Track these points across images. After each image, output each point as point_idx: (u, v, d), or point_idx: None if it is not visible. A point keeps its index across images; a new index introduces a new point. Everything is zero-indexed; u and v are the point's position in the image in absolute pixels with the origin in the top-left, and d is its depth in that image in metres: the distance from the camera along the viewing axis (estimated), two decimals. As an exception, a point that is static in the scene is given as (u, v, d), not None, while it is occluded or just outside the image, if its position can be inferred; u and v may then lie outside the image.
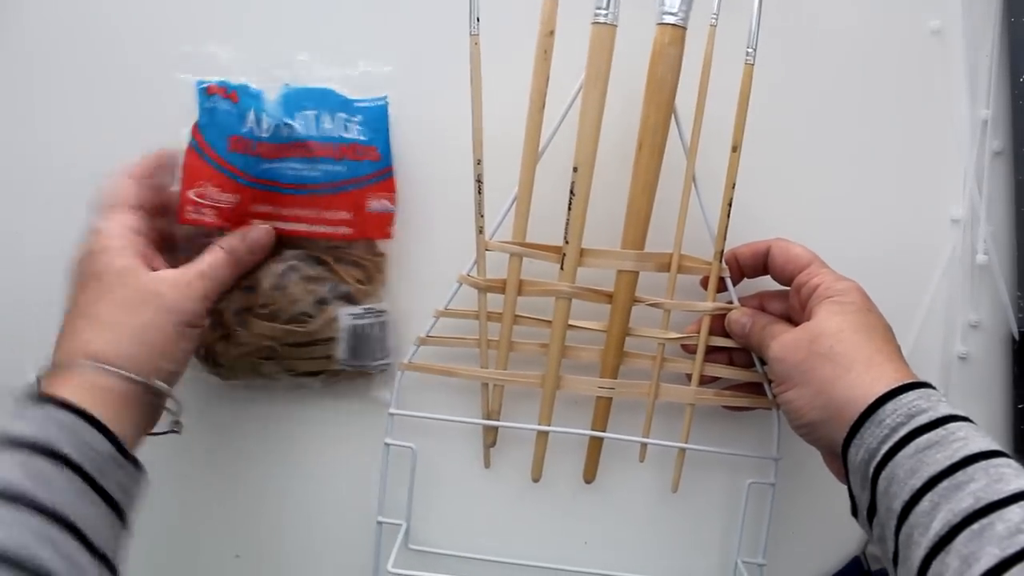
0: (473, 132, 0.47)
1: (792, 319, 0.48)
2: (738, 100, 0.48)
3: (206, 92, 0.48)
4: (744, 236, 0.54)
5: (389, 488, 0.50)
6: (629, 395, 0.50)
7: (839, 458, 0.41)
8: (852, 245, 0.55)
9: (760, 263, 0.49)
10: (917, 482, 0.36)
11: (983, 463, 0.36)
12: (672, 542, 0.54)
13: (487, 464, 0.52)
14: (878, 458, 0.38)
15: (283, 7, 0.53)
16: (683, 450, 0.51)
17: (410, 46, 0.51)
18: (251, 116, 0.48)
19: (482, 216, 0.48)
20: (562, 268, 0.48)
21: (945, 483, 0.36)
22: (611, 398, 0.50)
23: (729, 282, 0.49)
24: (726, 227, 0.48)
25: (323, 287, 0.49)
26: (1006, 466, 0.36)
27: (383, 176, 0.49)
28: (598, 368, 0.50)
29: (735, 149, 0.48)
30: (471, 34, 0.45)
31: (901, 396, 0.39)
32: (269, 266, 0.48)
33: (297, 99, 0.49)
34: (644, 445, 0.51)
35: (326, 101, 0.49)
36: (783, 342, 0.44)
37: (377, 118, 0.49)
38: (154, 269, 0.43)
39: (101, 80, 0.52)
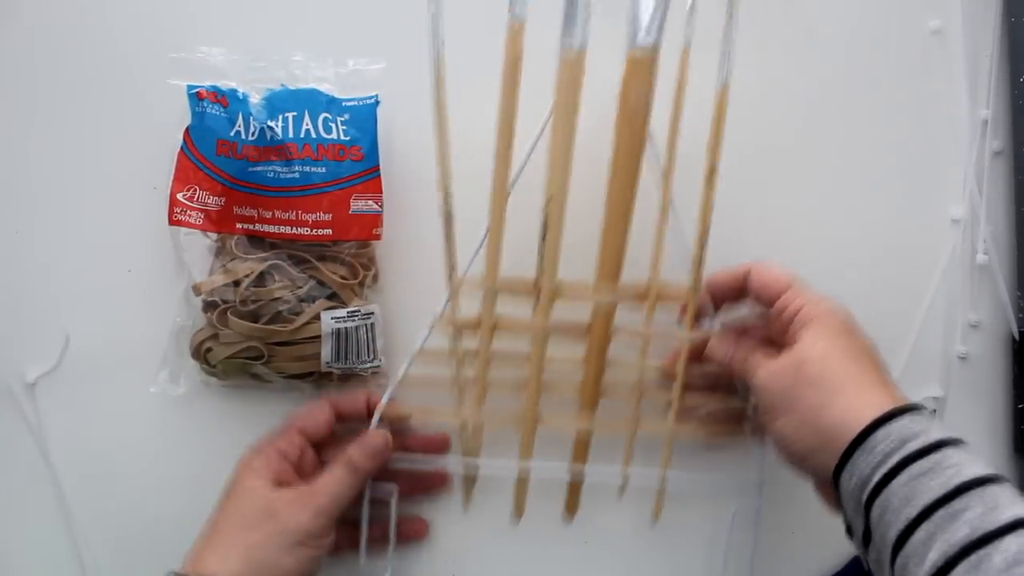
0: (439, 165, 0.44)
1: (774, 343, 0.47)
2: (713, 122, 0.46)
3: (196, 97, 0.48)
4: (736, 239, 0.53)
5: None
6: (609, 430, 0.50)
7: (830, 486, 0.41)
8: (852, 245, 0.55)
9: (739, 288, 0.48)
10: (912, 511, 0.36)
11: (978, 490, 0.35)
12: (658, 574, 0.53)
13: (467, 503, 0.52)
14: (871, 486, 0.38)
15: (274, 8, 0.53)
16: (664, 481, 0.50)
17: (404, 43, 0.51)
18: (239, 120, 0.48)
19: (453, 254, 0.46)
20: (537, 303, 0.47)
21: (940, 512, 0.35)
22: (591, 433, 0.50)
23: (710, 311, 0.49)
24: (703, 254, 0.47)
25: (306, 286, 0.49)
26: (1001, 492, 0.35)
27: (368, 176, 0.49)
28: (577, 402, 0.49)
29: (712, 172, 0.46)
30: (433, 60, 0.43)
31: (892, 422, 0.38)
32: (252, 264, 0.48)
33: (280, 101, 0.49)
34: (625, 479, 0.50)
35: (310, 102, 0.49)
36: (769, 370, 0.43)
37: (364, 117, 0.49)
38: (286, 486, 0.45)
39: (97, 84, 0.52)
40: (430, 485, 0.51)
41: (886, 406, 0.39)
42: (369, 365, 0.50)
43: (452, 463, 0.50)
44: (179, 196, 0.48)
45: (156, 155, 0.49)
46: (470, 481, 0.51)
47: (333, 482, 0.45)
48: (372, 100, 0.49)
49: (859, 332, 0.44)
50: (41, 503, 0.52)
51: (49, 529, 0.52)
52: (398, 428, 0.50)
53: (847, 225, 0.55)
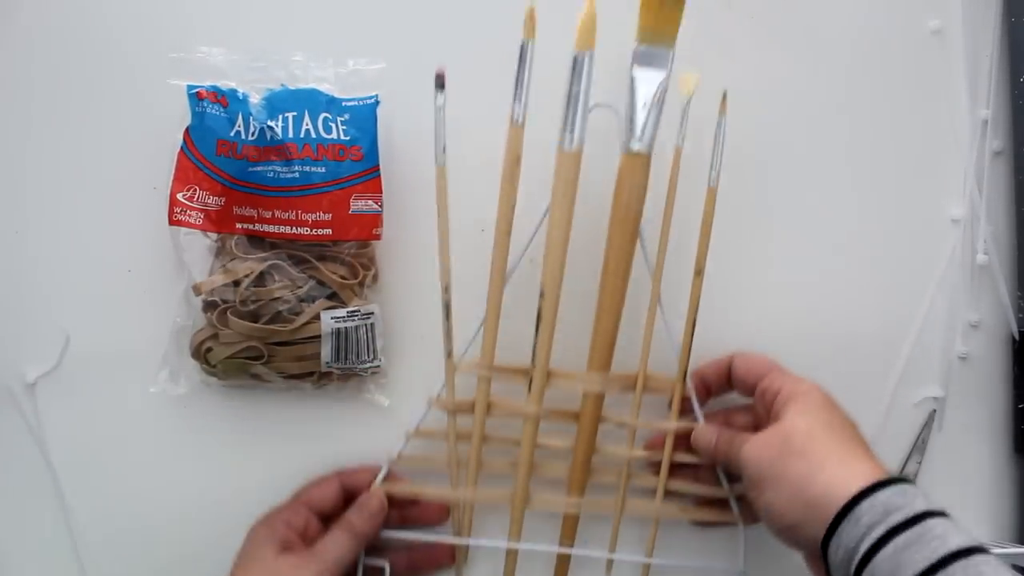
0: (440, 260, 0.47)
1: (758, 429, 0.48)
2: (701, 226, 0.48)
3: (196, 97, 0.48)
4: (736, 243, 0.54)
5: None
6: (596, 511, 0.51)
7: (820, 558, 0.41)
8: (852, 245, 0.55)
9: (725, 378, 0.50)
10: None
11: (962, 562, 0.36)
12: None
13: None
14: (858, 558, 0.38)
15: (274, 8, 0.53)
16: (648, 564, 0.51)
17: (404, 44, 0.51)
18: (239, 120, 0.48)
19: (451, 339, 0.48)
20: (529, 390, 0.48)
21: None
22: (579, 514, 0.51)
23: (695, 401, 0.50)
24: (690, 347, 0.49)
25: (306, 286, 0.49)
26: (984, 563, 0.36)
27: (368, 176, 0.49)
28: (566, 483, 0.51)
29: (699, 273, 0.49)
30: (437, 165, 0.45)
31: (877, 493, 0.39)
32: (252, 264, 0.48)
33: (280, 101, 0.49)
34: (610, 560, 0.51)
35: (310, 101, 0.49)
36: (755, 443, 0.44)
37: (364, 117, 0.49)
38: (291, 552, 0.46)
39: (97, 84, 0.52)
40: (427, 560, 0.52)
41: (870, 476, 0.40)
42: (369, 365, 0.50)
43: (445, 538, 0.51)
44: (179, 196, 0.48)
45: (156, 155, 0.49)
46: (462, 556, 0.52)
47: (333, 544, 0.46)
48: (372, 100, 0.49)
49: (839, 409, 0.45)
50: (41, 503, 0.52)
51: (49, 529, 0.52)
52: (398, 499, 0.51)
53: (847, 225, 0.55)
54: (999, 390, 0.56)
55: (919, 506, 0.38)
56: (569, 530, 0.51)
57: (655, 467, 0.51)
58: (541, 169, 0.46)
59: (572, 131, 0.45)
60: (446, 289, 0.47)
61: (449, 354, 0.48)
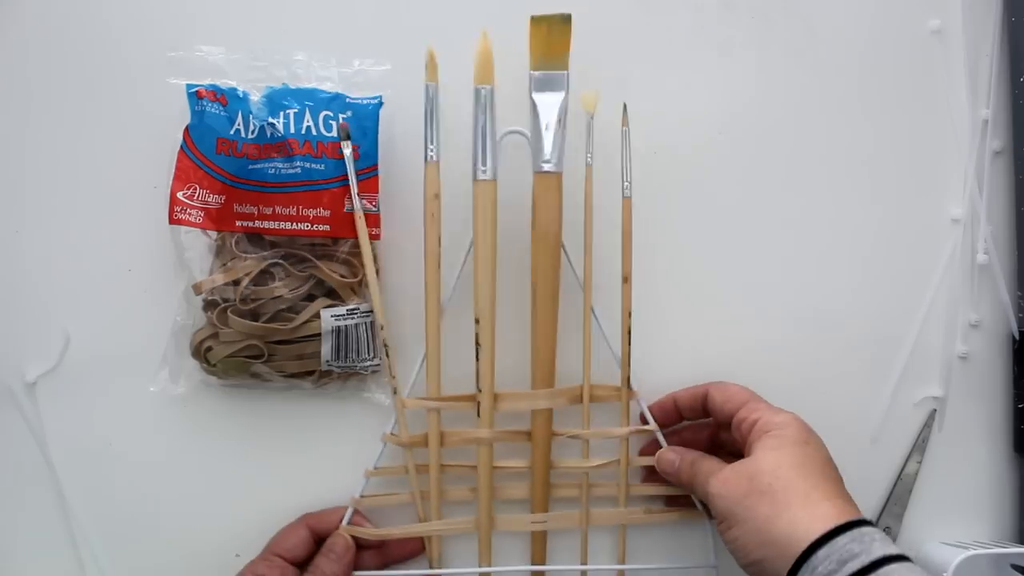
0: (372, 297, 0.48)
1: (726, 453, 0.49)
2: (622, 235, 0.49)
3: (196, 96, 0.48)
4: (735, 241, 0.54)
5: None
6: (561, 527, 0.51)
7: None
8: (852, 245, 0.55)
9: (699, 406, 0.50)
10: None
11: None
12: None
13: None
14: None
15: (274, 8, 0.53)
16: (621, 571, 0.52)
17: (405, 45, 0.51)
18: (239, 118, 0.48)
19: (394, 377, 0.49)
20: (478, 415, 0.49)
21: None
22: (544, 532, 0.52)
23: (647, 413, 0.51)
24: (628, 353, 0.50)
25: (306, 285, 0.49)
26: None
27: (367, 175, 0.49)
28: (530, 502, 0.51)
29: (626, 280, 0.49)
30: (357, 214, 0.48)
31: (834, 540, 0.39)
32: (252, 263, 0.48)
33: (280, 98, 0.49)
34: (584, 573, 0.52)
35: (310, 99, 0.49)
36: (722, 479, 0.44)
37: (367, 116, 0.49)
38: None
39: (96, 83, 0.52)
40: None
41: (831, 519, 0.40)
42: (369, 363, 0.50)
43: (418, 572, 0.51)
44: (179, 195, 0.48)
45: (156, 154, 0.49)
46: None
47: None
48: (376, 101, 0.49)
49: (812, 442, 0.45)
50: (41, 503, 0.52)
51: (49, 529, 0.52)
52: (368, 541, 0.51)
53: (847, 225, 0.55)
54: (999, 390, 0.55)
55: (876, 551, 0.38)
56: (539, 547, 0.52)
57: (650, 472, 0.52)
58: (468, 198, 0.47)
59: (484, 161, 0.47)
60: (381, 328, 0.49)
61: (395, 391, 0.49)
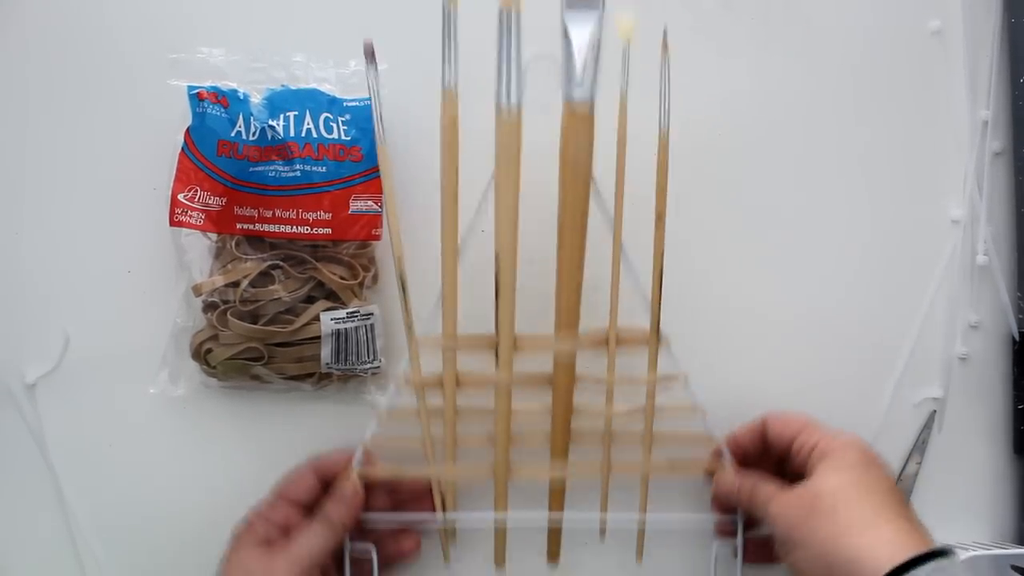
0: (391, 232, 0.46)
1: (785, 476, 0.47)
2: (657, 169, 0.47)
3: (197, 98, 0.48)
4: (734, 238, 0.54)
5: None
6: (582, 476, 0.50)
7: None
8: (852, 245, 0.55)
9: (758, 438, 0.49)
10: None
11: None
12: None
13: (447, 559, 0.51)
14: None
15: (275, 8, 0.53)
16: (642, 522, 0.51)
17: (405, 45, 0.51)
18: (240, 120, 0.48)
19: (410, 314, 0.47)
20: (497, 358, 0.47)
21: None
22: (564, 480, 0.50)
23: (726, 452, 0.49)
24: (660, 297, 0.47)
25: (306, 287, 0.49)
26: None
27: (368, 176, 0.49)
28: (549, 450, 0.49)
29: (659, 219, 0.47)
30: (379, 145, 0.45)
31: (914, 571, 0.37)
32: (252, 265, 0.48)
33: (281, 100, 0.49)
34: (603, 523, 0.50)
35: (311, 101, 0.49)
36: (783, 502, 0.43)
37: (365, 118, 0.49)
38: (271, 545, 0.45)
39: (97, 85, 0.52)
40: (411, 547, 0.51)
41: (900, 546, 0.38)
42: (369, 366, 0.50)
43: (430, 518, 0.50)
44: (180, 197, 0.48)
45: (156, 156, 0.49)
46: (449, 535, 0.51)
47: (307, 537, 0.45)
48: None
49: (878, 465, 0.44)
50: (41, 503, 0.52)
51: (49, 529, 0.52)
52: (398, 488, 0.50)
53: (847, 225, 0.55)
54: (999, 390, 0.55)
55: None
56: (557, 499, 0.50)
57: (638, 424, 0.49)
58: (489, 135, 0.44)
59: (508, 90, 0.43)
60: (399, 263, 0.46)
61: (409, 328, 0.47)
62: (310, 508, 0.47)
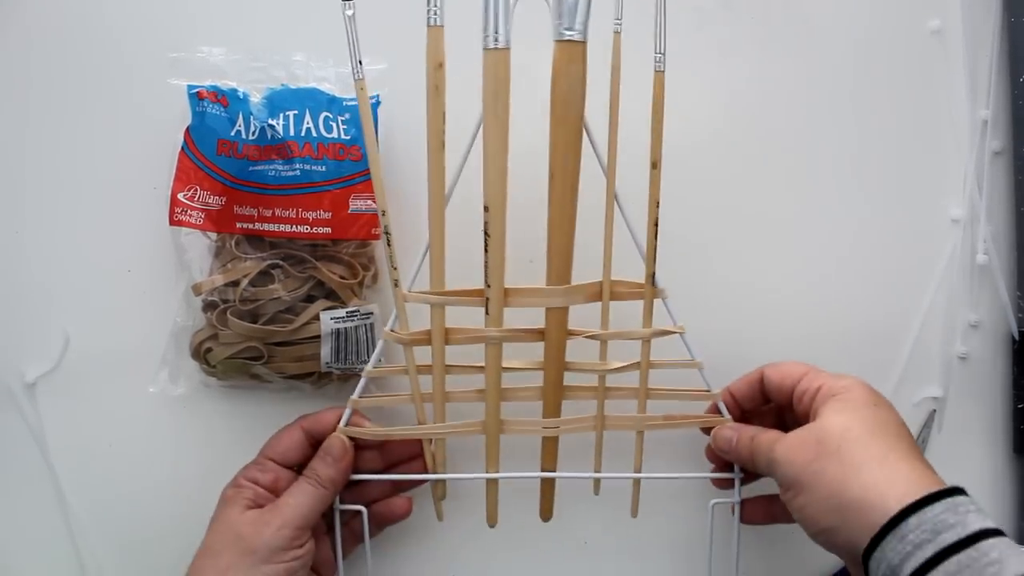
0: (374, 180, 0.44)
1: (782, 424, 0.46)
2: (652, 111, 0.44)
3: (197, 97, 0.48)
4: (734, 239, 0.54)
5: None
6: (575, 430, 0.49)
7: (860, 565, 0.38)
8: (852, 245, 0.55)
9: (756, 392, 0.48)
10: None
11: None
12: (640, 571, 0.53)
13: (440, 517, 0.51)
14: None
15: (275, 8, 0.53)
16: (637, 477, 0.50)
17: (405, 44, 0.51)
18: (239, 119, 0.48)
19: (395, 268, 0.45)
20: (487, 312, 0.45)
21: None
22: (556, 436, 0.49)
23: (722, 405, 0.48)
24: (655, 247, 0.46)
25: (305, 286, 0.49)
26: None
27: (367, 176, 0.48)
28: (541, 406, 0.48)
29: (654, 166, 0.45)
30: (356, 78, 0.43)
31: (926, 508, 0.36)
32: (252, 264, 0.48)
33: (281, 100, 0.49)
34: (598, 482, 0.50)
35: (310, 100, 0.49)
36: (788, 444, 0.42)
37: (365, 117, 0.49)
38: (260, 507, 0.45)
39: (97, 84, 0.52)
40: (403, 508, 0.50)
41: (914, 483, 0.37)
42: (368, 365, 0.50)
43: (421, 475, 0.49)
44: (180, 196, 0.48)
45: (156, 155, 0.49)
46: (440, 492, 0.50)
47: (295, 496, 0.45)
48: (373, 100, 0.49)
49: (883, 404, 0.43)
50: (41, 503, 0.52)
51: (49, 529, 0.52)
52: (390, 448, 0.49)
53: (847, 225, 0.55)
54: (999, 390, 0.55)
55: (973, 524, 0.35)
56: (550, 456, 0.49)
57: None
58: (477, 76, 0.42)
59: (495, 26, 0.41)
60: (383, 212, 0.44)
61: (395, 283, 0.45)
62: (299, 468, 0.47)
